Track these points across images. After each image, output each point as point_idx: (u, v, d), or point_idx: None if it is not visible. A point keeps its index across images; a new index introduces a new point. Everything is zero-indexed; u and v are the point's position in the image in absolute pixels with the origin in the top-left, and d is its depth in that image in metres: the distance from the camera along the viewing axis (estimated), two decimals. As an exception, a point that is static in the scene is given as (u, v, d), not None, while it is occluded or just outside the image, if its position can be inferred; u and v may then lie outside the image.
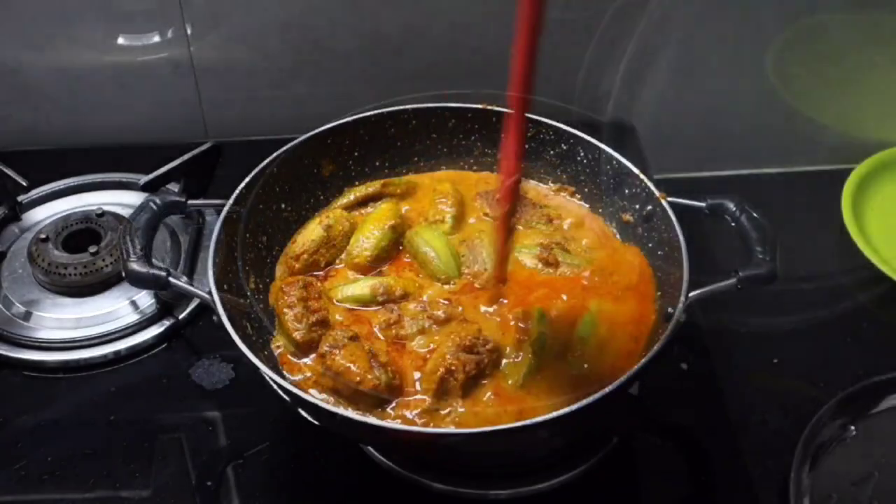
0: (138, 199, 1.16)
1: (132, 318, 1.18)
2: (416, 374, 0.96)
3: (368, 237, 1.08)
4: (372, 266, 1.07)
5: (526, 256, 1.09)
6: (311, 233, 1.08)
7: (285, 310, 0.98)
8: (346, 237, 1.09)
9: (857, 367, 1.16)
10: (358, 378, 0.92)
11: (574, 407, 0.84)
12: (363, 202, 1.15)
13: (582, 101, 1.45)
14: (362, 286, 1.04)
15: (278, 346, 0.99)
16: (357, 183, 1.18)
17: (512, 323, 1.01)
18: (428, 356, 0.97)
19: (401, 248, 1.10)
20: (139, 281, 0.97)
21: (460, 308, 1.02)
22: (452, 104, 1.18)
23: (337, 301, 1.03)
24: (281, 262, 1.09)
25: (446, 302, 1.03)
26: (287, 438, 1.07)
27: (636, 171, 1.08)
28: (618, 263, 1.09)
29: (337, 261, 1.08)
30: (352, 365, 0.93)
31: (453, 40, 1.39)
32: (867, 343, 1.22)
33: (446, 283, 1.05)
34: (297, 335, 0.97)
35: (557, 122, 1.15)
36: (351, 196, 1.15)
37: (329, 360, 0.95)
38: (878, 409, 1.10)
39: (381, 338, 0.99)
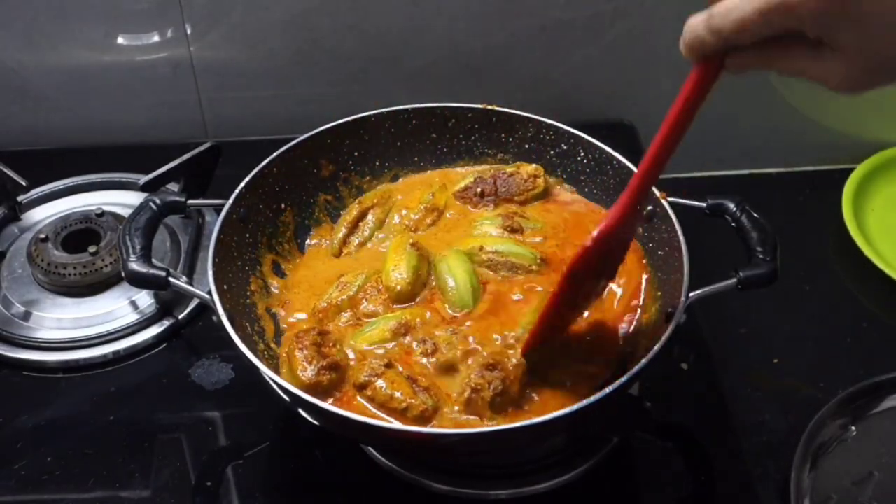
0: (138, 199, 1.16)
1: (132, 318, 1.18)
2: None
3: (399, 265, 1.03)
4: (413, 293, 1.03)
5: (490, 227, 1.10)
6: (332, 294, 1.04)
7: (296, 353, 0.94)
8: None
9: (857, 367, 1.16)
10: (405, 405, 0.91)
11: (574, 407, 0.84)
12: (353, 230, 1.13)
13: (582, 101, 1.46)
14: (381, 329, 0.99)
15: None
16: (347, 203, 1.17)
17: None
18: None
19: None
20: (139, 281, 0.97)
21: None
22: (452, 104, 1.17)
23: (361, 348, 0.98)
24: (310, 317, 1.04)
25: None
26: (287, 438, 1.07)
27: (636, 170, 1.08)
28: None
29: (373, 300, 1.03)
30: (396, 392, 0.92)
31: (453, 40, 1.39)
32: (867, 343, 1.22)
33: (458, 313, 1.02)
34: (304, 376, 0.92)
35: (557, 122, 1.15)
36: (341, 230, 1.13)
37: (371, 390, 0.93)
38: (878, 409, 1.10)
39: (430, 367, 0.96)
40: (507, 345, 0.98)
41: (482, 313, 1.02)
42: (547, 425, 0.84)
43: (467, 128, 1.19)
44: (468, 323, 1.00)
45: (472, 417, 0.92)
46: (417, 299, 1.03)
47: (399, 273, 1.02)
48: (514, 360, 0.95)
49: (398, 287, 1.02)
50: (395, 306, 1.02)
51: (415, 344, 0.98)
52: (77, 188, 1.36)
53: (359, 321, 1.02)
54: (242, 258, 1.05)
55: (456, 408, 0.92)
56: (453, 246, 1.09)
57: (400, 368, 0.95)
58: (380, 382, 0.93)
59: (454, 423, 0.92)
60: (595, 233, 0.83)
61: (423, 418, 0.91)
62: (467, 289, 1.02)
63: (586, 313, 1.01)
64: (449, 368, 0.96)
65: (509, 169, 1.16)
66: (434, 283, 1.05)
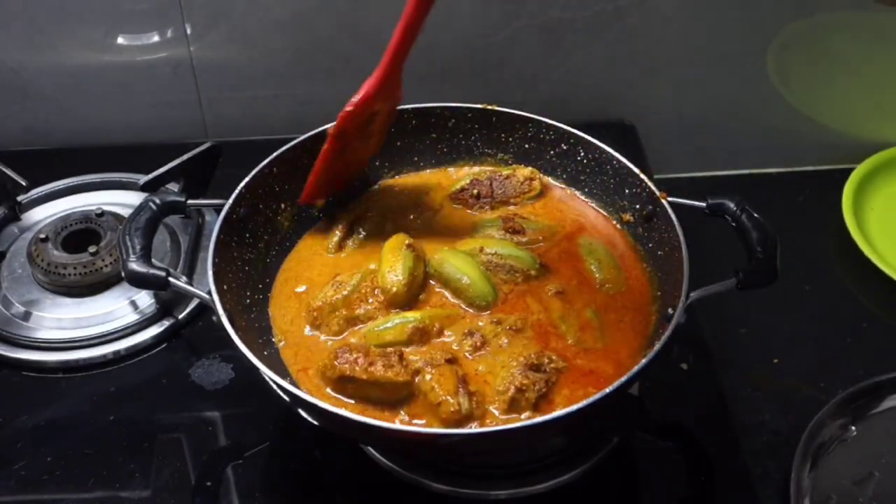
0: (138, 199, 1.16)
1: (132, 318, 1.18)
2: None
3: (394, 267, 1.03)
4: (410, 295, 1.03)
5: (492, 230, 1.11)
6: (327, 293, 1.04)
7: (370, 368, 0.93)
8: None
9: (857, 367, 1.16)
10: (439, 401, 0.90)
11: (574, 407, 0.84)
12: (349, 230, 1.13)
13: (582, 101, 1.46)
14: (398, 331, 0.99)
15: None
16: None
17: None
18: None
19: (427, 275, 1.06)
20: (139, 281, 0.97)
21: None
22: (452, 104, 1.17)
23: (375, 346, 0.98)
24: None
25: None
26: (287, 438, 1.07)
27: (636, 170, 1.08)
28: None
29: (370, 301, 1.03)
30: (436, 385, 0.91)
31: (454, 40, 1.39)
32: (867, 343, 1.22)
33: (484, 310, 1.02)
34: (402, 375, 0.92)
35: (557, 122, 1.15)
36: (337, 232, 1.12)
37: (419, 378, 0.93)
38: (878, 409, 1.10)
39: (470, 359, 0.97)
40: (541, 337, 0.99)
41: (503, 305, 1.03)
42: (547, 425, 0.84)
43: (467, 128, 1.19)
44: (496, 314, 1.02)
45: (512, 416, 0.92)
46: (416, 303, 1.03)
47: (395, 275, 1.02)
48: (553, 364, 0.95)
49: (394, 289, 1.01)
50: (392, 310, 1.02)
51: (464, 340, 0.98)
52: (77, 188, 1.36)
53: (354, 322, 1.01)
54: (242, 258, 1.05)
55: (495, 408, 0.92)
56: (450, 247, 1.08)
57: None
58: (430, 373, 0.92)
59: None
60: (356, 98, 1.01)
61: (454, 421, 0.90)
62: (484, 282, 1.03)
63: None
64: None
65: (505, 171, 1.16)
66: (432, 285, 1.05)
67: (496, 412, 0.92)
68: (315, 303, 1.03)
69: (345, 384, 0.94)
